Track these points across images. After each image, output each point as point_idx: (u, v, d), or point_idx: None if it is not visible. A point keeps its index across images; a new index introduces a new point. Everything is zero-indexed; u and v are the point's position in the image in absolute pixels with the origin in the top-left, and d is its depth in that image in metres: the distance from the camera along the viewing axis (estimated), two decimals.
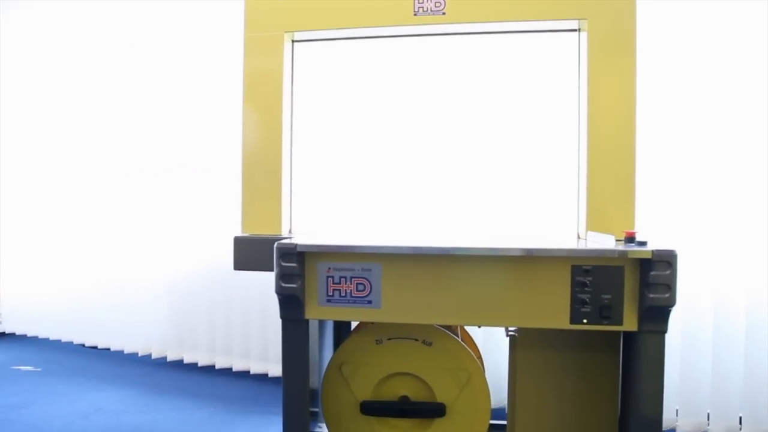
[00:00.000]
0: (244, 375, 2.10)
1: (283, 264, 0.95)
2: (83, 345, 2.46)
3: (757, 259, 1.48)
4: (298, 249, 0.95)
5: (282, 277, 0.95)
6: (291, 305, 0.96)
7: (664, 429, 1.58)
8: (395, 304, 0.94)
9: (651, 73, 1.53)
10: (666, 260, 0.84)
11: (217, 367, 2.15)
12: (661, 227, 1.55)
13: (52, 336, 2.54)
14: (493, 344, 1.65)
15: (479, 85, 1.25)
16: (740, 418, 1.51)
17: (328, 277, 0.96)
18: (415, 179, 1.69)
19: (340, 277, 0.96)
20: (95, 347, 2.43)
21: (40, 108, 2.46)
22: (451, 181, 1.64)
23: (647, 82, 1.49)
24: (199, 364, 2.18)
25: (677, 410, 1.57)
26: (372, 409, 1.08)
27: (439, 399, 1.07)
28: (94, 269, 2.36)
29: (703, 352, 1.54)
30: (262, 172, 1.18)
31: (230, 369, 2.13)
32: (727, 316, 1.51)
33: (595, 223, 1.04)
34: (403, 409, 1.07)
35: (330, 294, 0.96)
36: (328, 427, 1.13)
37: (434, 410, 1.06)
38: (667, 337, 1.52)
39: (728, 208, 1.52)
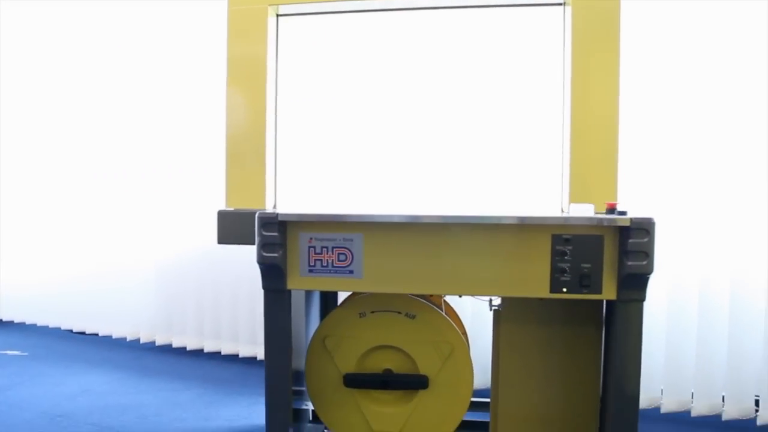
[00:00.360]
0: (233, 358, 2.11)
1: (264, 233, 0.95)
2: (71, 331, 2.46)
3: (741, 240, 1.50)
4: (280, 218, 0.96)
5: (263, 246, 0.96)
6: (272, 275, 0.97)
7: (649, 407, 1.62)
8: (376, 274, 0.95)
9: (635, 51, 1.54)
10: (644, 228, 0.86)
11: (205, 350, 2.16)
12: (646, 208, 1.56)
13: (39, 322, 2.54)
14: (480, 324, 1.66)
15: (465, 60, 1.26)
16: (723, 397, 1.54)
17: (309, 247, 0.97)
18: (400, 154, 1.72)
19: (322, 247, 0.97)
20: (83, 333, 2.43)
21: (27, 93, 2.44)
22: (437, 155, 1.67)
23: (632, 59, 1.51)
24: (188, 348, 2.19)
25: (662, 390, 1.60)
26: (355, 381, 1.10)
27: (422, 371, 1.09)
28: (81, 254, 2.36)
29: (688, 332, 1.57)
30: (246, 146, 1.18)
31: (219, 353, 2.14)
32: (711, 297, 1.54)
33: (577, 195, 1.05)
34: (385, 381, 1.09)
35: (312, 264, 0.97)
36: (312, 401, 1.14)
37: (417, 382, 1.08)
38: (653, 317, 1.58)
39: (714, 189, 1.54)
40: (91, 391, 1.77)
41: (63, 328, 2.48)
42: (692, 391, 1.58)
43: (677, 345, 1.58)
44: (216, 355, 2.14)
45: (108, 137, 2.28)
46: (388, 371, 1.11)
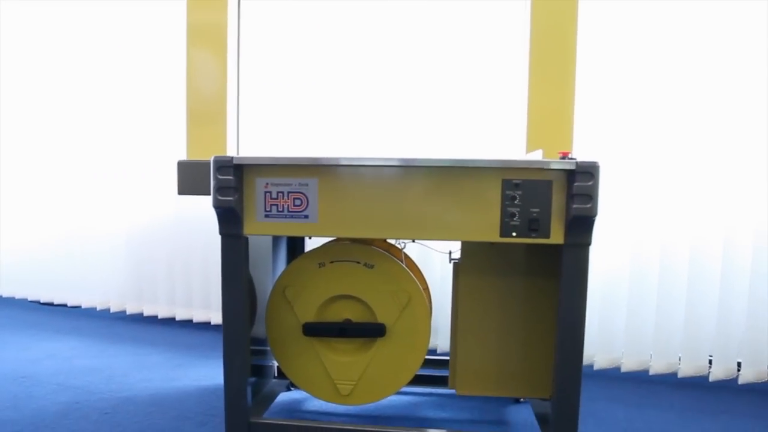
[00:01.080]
0: (205, 326, 2.14)
1: (220, 177, 0.97)
2: (38, 302, 2.46)
3: (699, 209, 1.58)
4: (235, 161, 0.98)
5: (218, 190, 0.98)
6: (229, 219, 1.00)
7: (610, 367, 1.71)
8: (330, 219, 0.99)
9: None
10: (589, 171, 0.90)
11: (177, 319, 2.19)
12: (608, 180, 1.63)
13: (4, 293, 2.53)
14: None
15: (433, 16, 1.28)
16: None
17: (266, 192, 1.00)
18: (369, 102, 1.80)
19: (278, 192, 0.99)
20: (51, 303, 2.43)
21: None
22: (403, 109, 1.75)
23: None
24: (159, 317, 2.21)
25: (623, 351, 1.68)
26: (314, 330, 1.14)
27: (380, 320, 1.13)
28: (46, 221, 2.35)
29: (648, 297, 1.65)
30: (206, 98, 1.20)
31: (191, 321, 2.17)
32: (670, 264, 1.61)
33: (534, 146, 1.09)
34: (343, 329, 1.13)
35: (268, 209, 1.00)
36: (272, 351, 1.18)
37: (374, 330, 1.12)
38: (616, 284, 1.65)
39: (673, 158, 1.60)
40: (56, 356, 1.79)
41: (30, 299, 2.48)
42: (651, 352, 1.67)
43: (637, 310, 1.66)
44: (188, 323, 2.17)
45: (76, 101, 2.24)
46: (347, 321, 1.15)
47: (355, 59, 1.77)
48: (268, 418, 1.14)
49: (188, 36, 1.19)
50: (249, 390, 1.08)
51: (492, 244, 1.12)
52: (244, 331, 1.04)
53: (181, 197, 2.06)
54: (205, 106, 1.20)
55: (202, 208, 2.05)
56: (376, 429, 1.09)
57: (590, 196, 0.90)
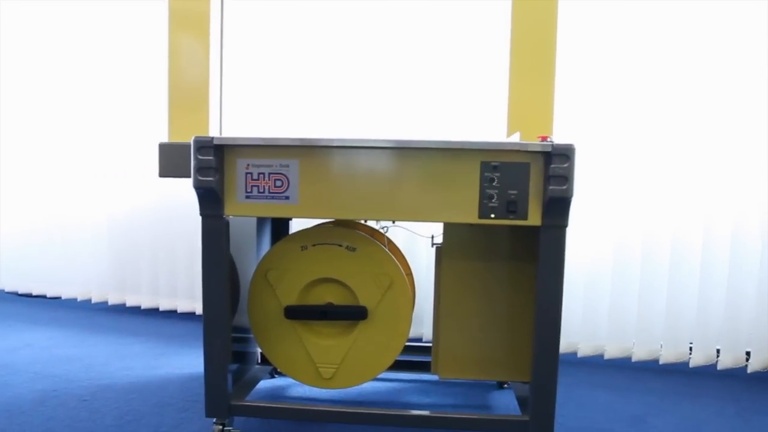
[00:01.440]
0: (190, 316, 2.15)
1: (200, 157, 0.99)
2: (16, 293, 2.44)
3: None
4: (215, 142, 0.99)
5: (198, 170, 0.99)
6: (209, 200, 1.01)
7: (594, 355, 1.76)
8: (311, 200, 1.00)
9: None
10: (565, 153, 0.93)
11: (161, 309, 2.19)
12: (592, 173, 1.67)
13: None
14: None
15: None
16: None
17: (246, 173, 1.01)
18: (354, 87, 1.84)
19: (259, 173, 1.01)
20: (29, 294, 2.42)
21: None
22: (389, 94, 1.79)
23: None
24: (143, 307, 2.22)
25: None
26: (295, 312, 1.16)
27: (362, 303, 1.15)
28: (23, 208, 2.32)
29: (630, 286, 1.70)
30: (188, 80, 1.20)
31: (175, 311, 2.18)
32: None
33: (515, 131, 1.12)
34: (325, 311, 1.15)
35: (249, 191, 1.02)
36: (255, 335, 1.20)
37: (356, 313, 1.15)
38: (599, 274, 1.70)
39: (655, 150, 1.65)
40: (34, 345, 1.78)
41: (7, 290, 2.46)
42: (633, 340, 1.72)
43: (620, 299, 1.71)
44: (172, 314, 2.18)
45: (53, 88, 2.22)
46: (329, 304, 1.17)
47: (341, 45, 1.78)
48: (249, 400, 1.16)
49: (170, 17, 1.20)
50: (230, 373, 1.10)
51: (472, 226, 1.15)
52: (224, 311, 1.05)
53: (166, 185, 2.05)
54: (187, 88, 1.21)
55: (187, 195, 2.05)
56: (355, 410, 1.11)
57: (566, 178, 0.93)
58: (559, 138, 1.02)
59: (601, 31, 1.64)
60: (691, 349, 1.69)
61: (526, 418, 1.05)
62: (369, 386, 1.46)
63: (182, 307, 2.16)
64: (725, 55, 1.57)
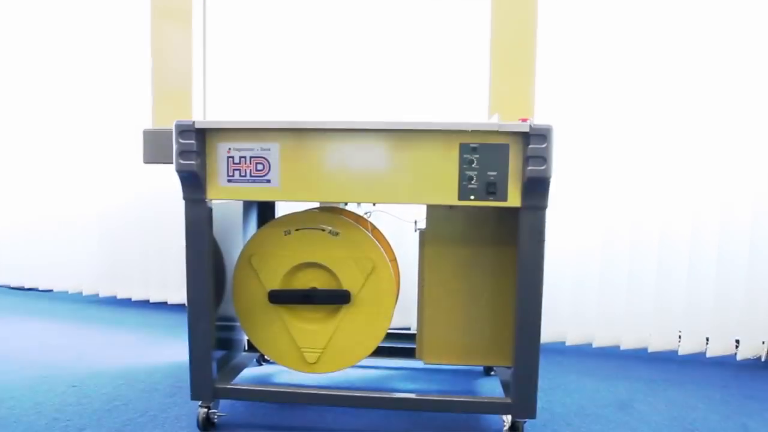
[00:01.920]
0: (181, 307, 2.18)
1: (181, 141, 1.01)
2: (8, 286, 2.48)
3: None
4: (196, 126, 1.02)
5: (180, 154, 1.02)
6: (191, 184, 1.04)
7: (583, 343, 1.78)
8: (291, 183, 1.03)
9: None
10: (542, 134, 0.95)
11: (151, 301, 2.23)
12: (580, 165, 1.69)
13: None
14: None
15: None
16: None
17: (228, 157, 1.04)
18: (338, 70, 1.86)
19: (240, 157, 1.03)
20: (21, 288, 2.46)
21: None
22: (373, 79, 1.81)
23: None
24: (133, 299, 2.25)
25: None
26: (279, 297, 1.18)
27: (345, 287, 1.18)
28: (14, 202, 2.36)
29: (619, 275, 1.72)
30: (172, 67, 1.23)
31: (166, 303, 2.21)
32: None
33: (495, 113, 1.14)
34: (308, 295, 1.18)
35: (230, 174, 1.04)
36: (239, 320, 1.23)
37: (339, 297, 1.17)
38: (587, 265, 1.72)
39: (642, 143, 1.67)
40: (26, 335, 1.82)
41: None
42: (622, 328, 1.74)
43: (609, 287, 1.73)
44: (163, 305, 2.21)
45: (44, 85, 2.25)
46: (313, 289, 1.20)
47: (323, 31, 1.79)
48: (234, 384, 1.19)
49: (153, 3, 1.22)
50: (215, 356, 1.12)
51: (454, 210, 1.17)
52: (207, 293, 1.08)
53: (155, 180, 2.09)
54: (171, 75, 1.23)
55: (177, 189, 2.08)
56: (340, 393, 1.14)
57: (544, 158, 0.95)
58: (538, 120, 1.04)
59: (593, 22, 1.65)
60: (680, 337, 1.71)
61: (509, 400, 1.08)
62: (356, 374, 1.49)
63: (173, 298, 2.20)
64: (714, 48, 1.59)
